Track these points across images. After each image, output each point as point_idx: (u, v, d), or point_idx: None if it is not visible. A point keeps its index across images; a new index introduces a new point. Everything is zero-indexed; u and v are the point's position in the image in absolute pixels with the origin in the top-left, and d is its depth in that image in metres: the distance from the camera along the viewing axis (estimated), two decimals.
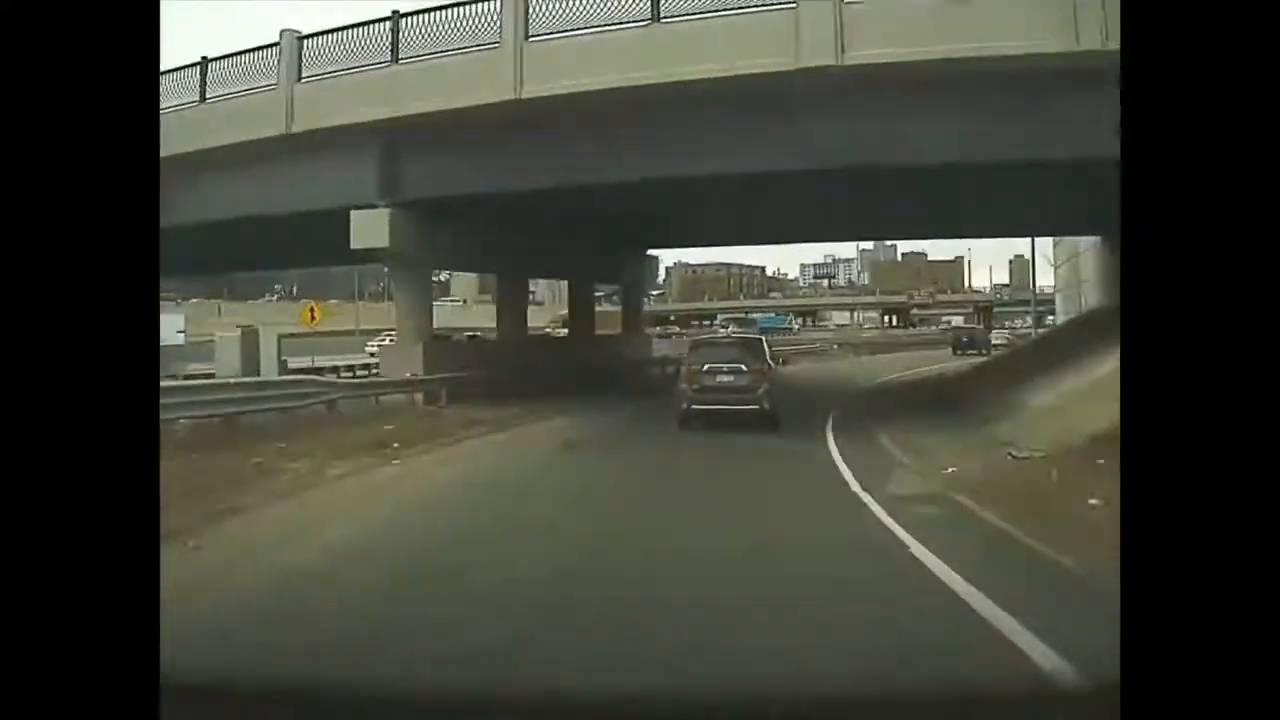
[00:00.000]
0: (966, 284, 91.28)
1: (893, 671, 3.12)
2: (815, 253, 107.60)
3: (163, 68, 15.19)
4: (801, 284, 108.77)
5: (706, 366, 13.53)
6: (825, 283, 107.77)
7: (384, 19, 15.59)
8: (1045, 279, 37.15)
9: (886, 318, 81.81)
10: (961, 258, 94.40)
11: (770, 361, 13.97)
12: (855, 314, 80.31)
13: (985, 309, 75.00)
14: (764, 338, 16.56)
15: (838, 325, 75.04)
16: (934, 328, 74.32)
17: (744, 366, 13.40)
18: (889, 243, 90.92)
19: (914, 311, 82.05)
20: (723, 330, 27.93)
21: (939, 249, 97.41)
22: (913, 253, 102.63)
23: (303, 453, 10.16)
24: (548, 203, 16.91)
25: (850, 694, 2.35)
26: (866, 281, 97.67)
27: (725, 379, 13.34)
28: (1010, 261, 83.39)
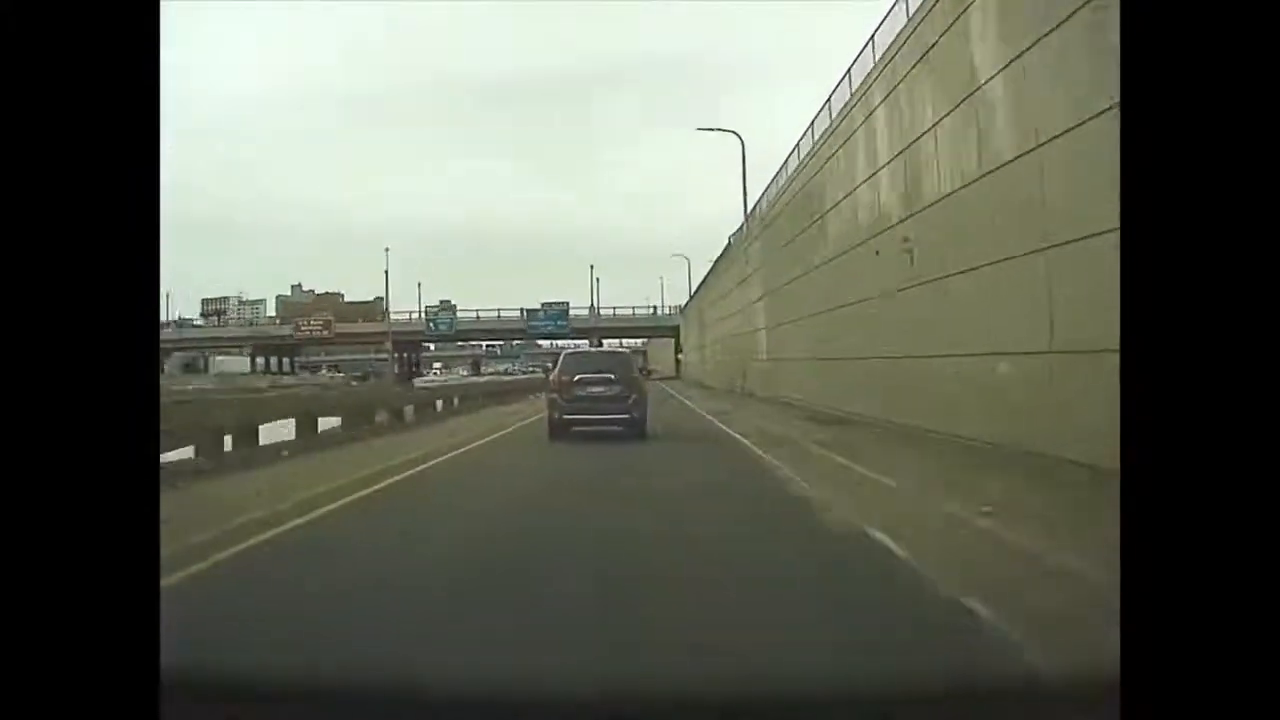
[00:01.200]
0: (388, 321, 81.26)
1: None
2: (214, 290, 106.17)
3: None
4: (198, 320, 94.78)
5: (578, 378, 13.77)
6: (215, 319, 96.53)
7: None
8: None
9: (273, 359, 71.46)
10: (381, 298, 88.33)
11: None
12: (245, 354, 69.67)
13: (412, 342, 69.77)
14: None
15: (224, 372, 63.31)
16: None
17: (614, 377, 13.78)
18: (306, 288, 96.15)
19: (304, 350, 72.40)
20: None
21: (355, 291, 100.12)
22: (328, 293, 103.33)
23: None
24: None
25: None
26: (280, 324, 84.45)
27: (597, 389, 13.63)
28: (428, 309, 74.87)
